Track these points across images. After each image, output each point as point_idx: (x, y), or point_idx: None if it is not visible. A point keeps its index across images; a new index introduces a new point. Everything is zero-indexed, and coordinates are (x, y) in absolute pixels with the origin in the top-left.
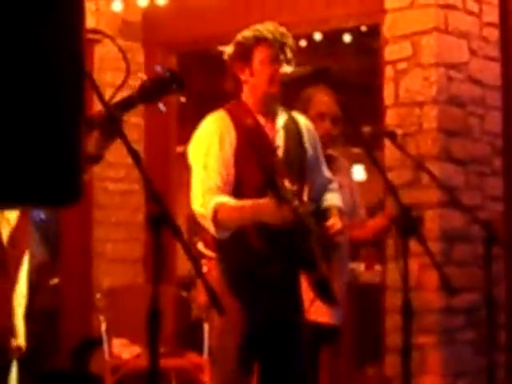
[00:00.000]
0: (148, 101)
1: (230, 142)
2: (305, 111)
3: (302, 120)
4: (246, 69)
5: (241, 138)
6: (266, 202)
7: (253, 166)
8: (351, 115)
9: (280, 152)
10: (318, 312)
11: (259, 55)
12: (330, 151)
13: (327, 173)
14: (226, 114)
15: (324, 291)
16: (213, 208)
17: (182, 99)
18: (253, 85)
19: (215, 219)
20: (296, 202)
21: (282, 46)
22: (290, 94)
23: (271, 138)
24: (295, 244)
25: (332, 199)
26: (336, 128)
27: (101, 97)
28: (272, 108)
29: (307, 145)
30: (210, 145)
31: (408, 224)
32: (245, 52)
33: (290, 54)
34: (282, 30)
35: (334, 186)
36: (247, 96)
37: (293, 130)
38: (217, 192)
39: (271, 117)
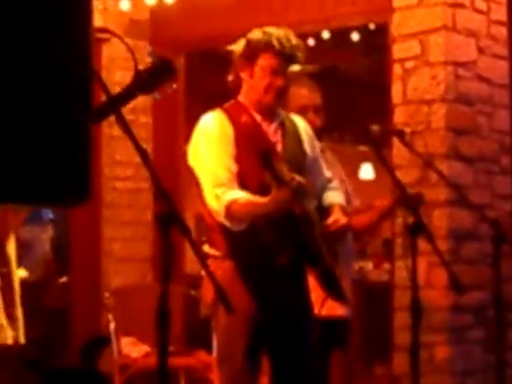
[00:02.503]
0: (145, 90)
1: (229, 138)
2: (284, 107)
3: (300, 122)
4: (247, 69)
5: (239, 134)
6: (275, 195)
7: (253, 161)
8: None
9: (278, 147)
10: (330, 308)
11: (263, 62)
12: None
13: (327, 173)
14: (222, 112)
15: (333, 288)
16: (225, 205)
17: (174, 86)
18: (250, 86)
19: (228, 215)
20: (296, 178)
21: (288, 58)
22: None
23: (268, 134)
24: (301, 234)
25: (333, 197)
26: (318, 118)
27: (110, 96)
28: (269, 109)
29: (306, 146)
30: (210, 142)
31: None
32: (251, 53)
33: (295, 67)
34: (294, 40)
35: (334, 184)
36: (245, 94)
37: (291, 131)
38: (228, 185)
39: (269, 116)
